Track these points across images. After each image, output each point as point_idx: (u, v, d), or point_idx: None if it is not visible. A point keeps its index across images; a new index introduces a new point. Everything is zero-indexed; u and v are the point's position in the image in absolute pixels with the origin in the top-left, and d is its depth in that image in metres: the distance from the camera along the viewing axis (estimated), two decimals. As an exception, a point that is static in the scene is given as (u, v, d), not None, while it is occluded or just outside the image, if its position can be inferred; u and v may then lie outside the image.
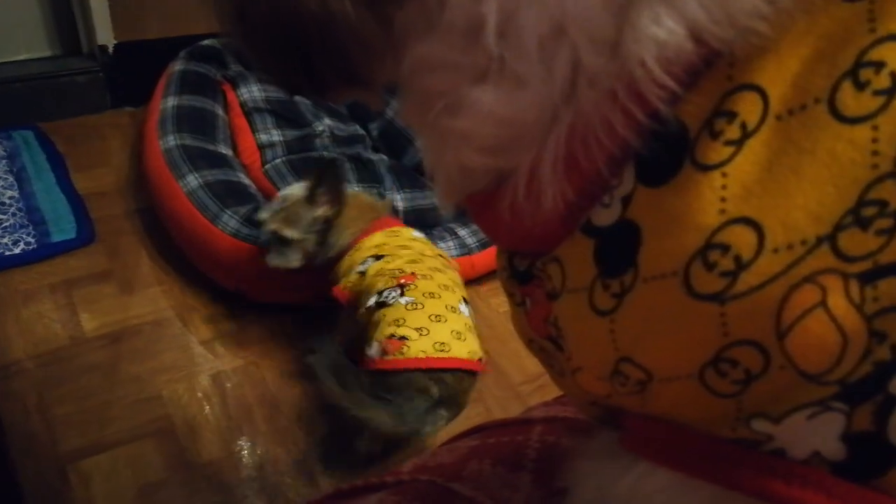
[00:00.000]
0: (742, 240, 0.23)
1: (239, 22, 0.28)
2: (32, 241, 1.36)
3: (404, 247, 1.07)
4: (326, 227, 1.10)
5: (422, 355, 0.91)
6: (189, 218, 1.27)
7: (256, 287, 1.27)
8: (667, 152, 0.25)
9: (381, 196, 1.33)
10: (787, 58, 0.24)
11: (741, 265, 0.23)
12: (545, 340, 0.32)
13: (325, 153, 1.43)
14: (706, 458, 0.26)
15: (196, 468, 1.02)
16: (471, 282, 1.39)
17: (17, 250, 1.34)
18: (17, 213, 1.41)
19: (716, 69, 0.24)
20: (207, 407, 1.12)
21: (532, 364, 1.33)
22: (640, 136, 0.25)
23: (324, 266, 1.13)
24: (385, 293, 0.99)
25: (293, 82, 0.31)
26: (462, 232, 1.36)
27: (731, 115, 0.24)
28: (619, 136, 0.25)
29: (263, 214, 1.13)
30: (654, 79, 0.24)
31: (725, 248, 0.24)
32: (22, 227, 1.39)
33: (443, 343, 0.93)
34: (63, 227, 1.39)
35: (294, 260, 1.11)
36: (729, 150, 0.24)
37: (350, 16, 0.27)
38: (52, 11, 1.65)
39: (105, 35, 1.65)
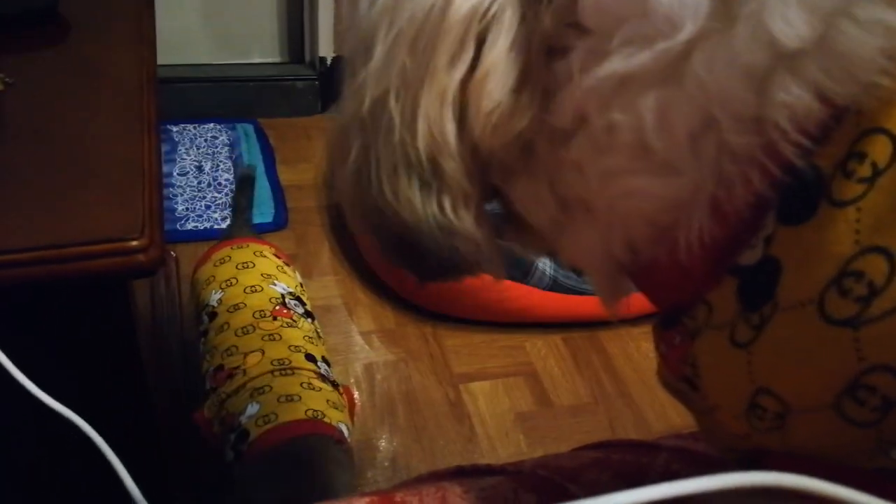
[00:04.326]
0: (875, 267, 0.24)
1: (373, 234, 0.38)
2: (237, 219, 1.54)
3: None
4: None
5: None
6: (370, 218, 1.38)
7: (417, 292, 1.34)
8: (805, 195, 0.27)
9: None
10: None
11: (874, 291, 0.24)
12: (680, 382, 0.33)
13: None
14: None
15: (337, 445, 1.10)
16: (624, 322, 1.37)
17: (223, 225, 1.52)
18: (230, 193, 1.61)
19: (846, 122, 0.26)
20: (356, 392, 1.20)
21: (676, 415, 1.28)
22: (776, 187, 0.27)
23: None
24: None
25: (416, 272, 0.40)
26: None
27: (862, 156, 0.25)
28: (757, 189, 0.27)
29: None
30: (788, 139, 0.26)
31: (859, 276, 0.24)
32: (231, 205, 1.57)
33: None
34: (263, 211, 1.57)
35: None
36: (862, 187, 0.25)
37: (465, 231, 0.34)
38: (287, 24, 1.87)
39: (326, 48, 1.83)
